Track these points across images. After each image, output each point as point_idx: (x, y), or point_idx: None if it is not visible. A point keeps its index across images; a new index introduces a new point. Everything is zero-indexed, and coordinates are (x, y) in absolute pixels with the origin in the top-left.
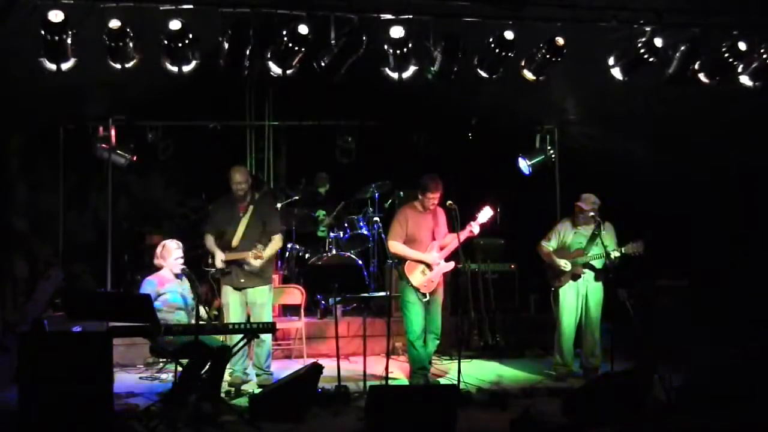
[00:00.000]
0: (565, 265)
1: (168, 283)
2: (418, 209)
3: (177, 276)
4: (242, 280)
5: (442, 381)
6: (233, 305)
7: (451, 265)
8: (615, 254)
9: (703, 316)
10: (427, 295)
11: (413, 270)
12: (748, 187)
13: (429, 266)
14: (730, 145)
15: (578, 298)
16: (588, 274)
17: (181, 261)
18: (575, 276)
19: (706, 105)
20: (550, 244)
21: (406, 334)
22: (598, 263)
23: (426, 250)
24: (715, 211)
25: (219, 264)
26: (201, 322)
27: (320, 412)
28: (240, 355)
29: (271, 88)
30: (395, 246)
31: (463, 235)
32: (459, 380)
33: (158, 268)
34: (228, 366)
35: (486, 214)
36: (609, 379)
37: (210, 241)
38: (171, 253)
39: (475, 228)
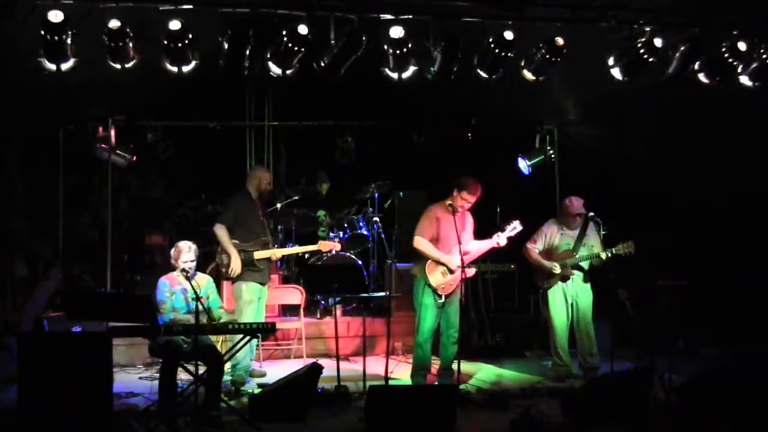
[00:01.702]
0: (554, 267)
1: (177, 285)
2: (448, 210)
3: (187, 278)
4: (266, 276)
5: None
6: (257, 302)
7: (473, 271)
8: (604, 255)
9: (703, 316)
10: (443, 297)
11: (434, 269)
12: (748, 186)
13: (449, 269)
14: (730, 145)
15: (567, 299)
16: (577, 275)
17: (191, 264)
18: (564, 277)
19: (705, 105)
20: (536, 247)
21: (416, 333)
22: (586, 264)
23: (449, 252)
24: (715, 210)
25: (237, 268)
26: (201, 322)
27: (320, 413)
28: (243, 353)
29: (271, 88)
30: (421, 242)
31: (489, 244)
32: (459, 380)
33: (174, 269)
34: (230, 364)
35: (514, 228)
36: (609, 379)
37: (225, 234)
38: (181, 254)
39: (502, 240)
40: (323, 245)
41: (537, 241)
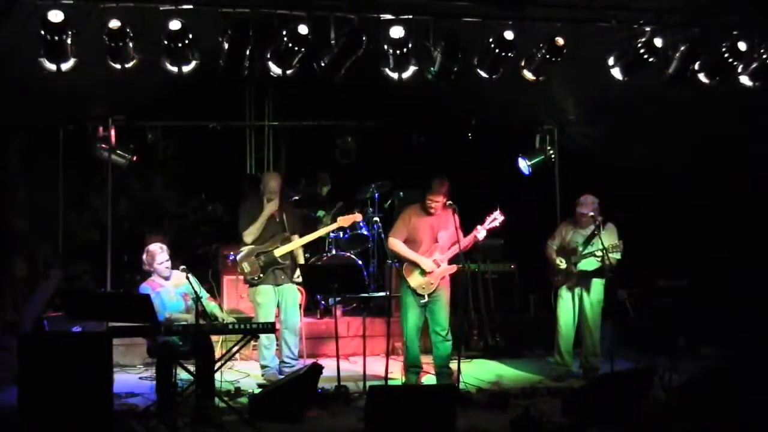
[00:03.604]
0: (560, 262)
1: (159, 288)
2: (422, 210)
3: (166, 278)
4: (283, 277)
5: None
6: (272, 304)
7: (453, 268)
8: (600, 253)
9: (703, 316)
10: (426, 296)
11: (412, 271)
12: (748, 186)
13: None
14: (730, 145)
15: (574, 298)
16: (584, 274)
17: (167, 263)
18: (569, 275)
19: (705, 105)
20: (554, 243)
21: (403, 334)
22: (591, 264)
23: (425, 252)
24: (715, 210)
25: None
26: (201, 322)
27: (320, 413)
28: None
29: (271, 88)
30: (394, 243)
31: (468, 239)
32: (459, 380)
33: (149, 275)
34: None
35: (494, 219)
36: (609, 379)
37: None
38: (155, 257)
39: (480, 233)
40: (344, 220)
41: (555, 239)
